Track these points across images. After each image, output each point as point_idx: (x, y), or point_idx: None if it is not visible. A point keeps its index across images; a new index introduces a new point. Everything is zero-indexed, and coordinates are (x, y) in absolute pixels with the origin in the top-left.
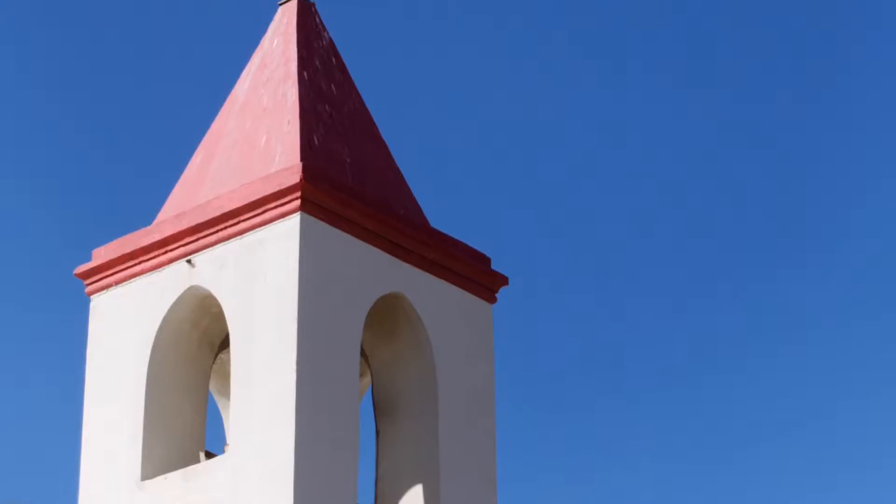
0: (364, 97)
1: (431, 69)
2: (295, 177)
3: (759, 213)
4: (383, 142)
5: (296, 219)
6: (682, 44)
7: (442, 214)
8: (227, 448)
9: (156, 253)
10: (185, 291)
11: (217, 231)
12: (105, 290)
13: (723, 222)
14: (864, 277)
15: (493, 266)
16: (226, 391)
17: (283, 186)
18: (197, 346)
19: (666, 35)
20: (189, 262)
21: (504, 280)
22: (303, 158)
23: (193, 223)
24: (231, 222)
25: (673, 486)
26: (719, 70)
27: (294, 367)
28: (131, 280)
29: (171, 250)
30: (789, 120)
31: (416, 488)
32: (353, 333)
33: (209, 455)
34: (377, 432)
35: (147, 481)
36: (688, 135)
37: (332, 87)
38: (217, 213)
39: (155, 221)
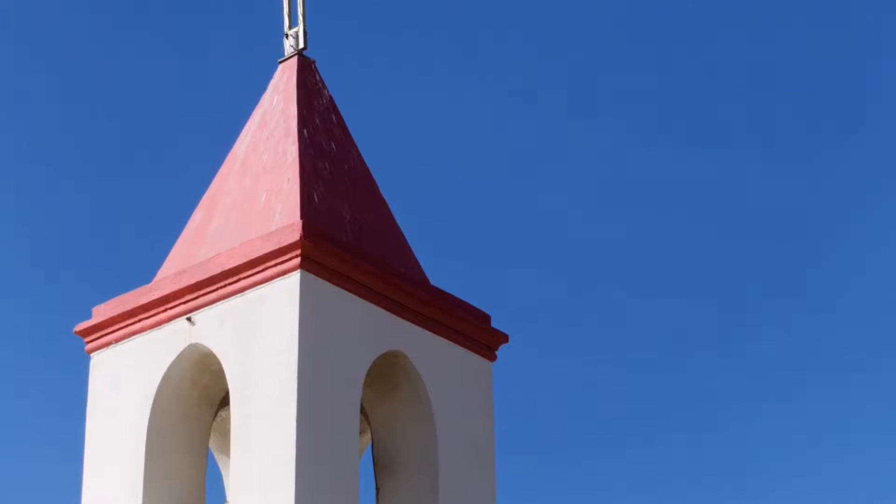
0: (364, 154)
1: (431, 127)
2: (295, 235)
3: (759, 276)
4: (383, 199)
5: (296, 276)
6: (682, 108)
7: (442, 272)
8: None
9: (156, 310)
10: (185, 349)
11: (217, 289)
12: (105, 348)
13: (721, 283)
14: (858, 338)
15: (493, 324)
16: (226, 449)
17: (283, 244)
18: (197, 404)
19: (666, 101)
20: (189, 319)
21: (504, 338)
22: (303, 216)
23: (193, 281)
24: (231, 280)
25: None
26: (718, 135)
27: (294, 424)
28: (131, 338)
29: (171, 308)
30: (788, 187)
31: None
32: (353, 391)
33: None
34: (377, 489)
35: None
36: (688, 200)
37: (333, 144)
38: (217, 271)
39: (155, 279)
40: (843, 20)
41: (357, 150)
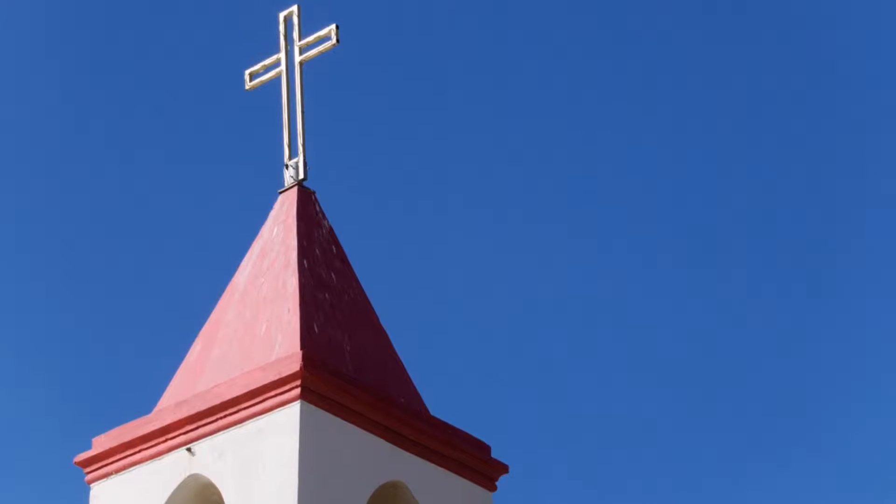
0: (364, 284)
1: (431, 257)
2: (295, 365)
3: (761, 411)
4: (383, 330)
5: (296, 407)
6: (674, 241)
7: (441, 402)
8: None
9: (156, 441)
10: (185, 479)
11: (217, 419)
12: (105, 479)
13: (723, 416)
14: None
15: (494, 454)
16: None
17: (282, 375)
18: None
19: (654, 220)
20: (189, 450)
21: (504, 468)
22: (303, 347)
23: (193, 411)
24: (231, 410)
25: None
26: (716, 255)
27: None
28: (131, 468)
29: (171, 438)
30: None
31: None
32: None
33: None
34: None
35: None
36: (689, 318)
37: (333, 275)
38: (217, 402)
39: (155, 409)
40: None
41: (357, 281)
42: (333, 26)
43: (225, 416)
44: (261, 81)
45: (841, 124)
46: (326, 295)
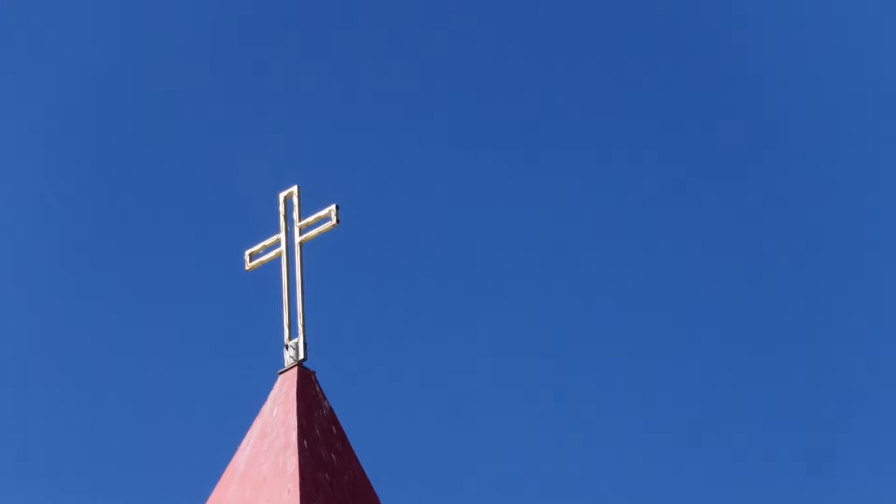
0: (364, 464)
1: (433, 436)
2: None
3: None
4: None
5: None
6: (689, 393)
7: None
8: None
9: None
10: None
11: None
12: None
13: None
14: None
15: None
16: None
17: None
18: None
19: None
20: None
21: None
22: None
23: None
24: None
25: None
26: (716, 349)
27: None
28: None
29: None
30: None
31: None
32: None
33: None
34: None
35: None
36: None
37: (333, 455)
38: None
39: None
40: None
41: (357, 461)
42: (333, 206)
43: None
44: (261, 262)
45: (842, 294)
46: (326, 475)
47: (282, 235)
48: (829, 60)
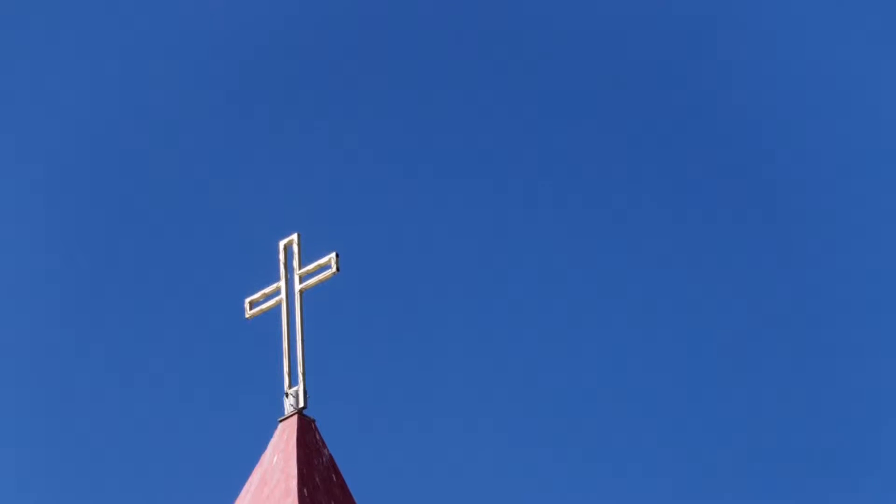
0: None
1: (430, 483)
2: None
3: None
4: None
5: None
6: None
7: None
8: None
9: None
10: None
11: None
12: None
13: None
14: None
15: None
16: None
17: None
18: None
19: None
20: None
21: None
22: None
23: None
24: None
25: None
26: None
27: None
28: None
29: None
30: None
31: None
32: None
33: None
34: None
35: None
36: None
37: (332, 503)
38: None
39: None
40: None
41: None
42: (333, 254)
43: None
44: (261, 310)
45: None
46: None
47: (282, 283)
48: (830, 129)
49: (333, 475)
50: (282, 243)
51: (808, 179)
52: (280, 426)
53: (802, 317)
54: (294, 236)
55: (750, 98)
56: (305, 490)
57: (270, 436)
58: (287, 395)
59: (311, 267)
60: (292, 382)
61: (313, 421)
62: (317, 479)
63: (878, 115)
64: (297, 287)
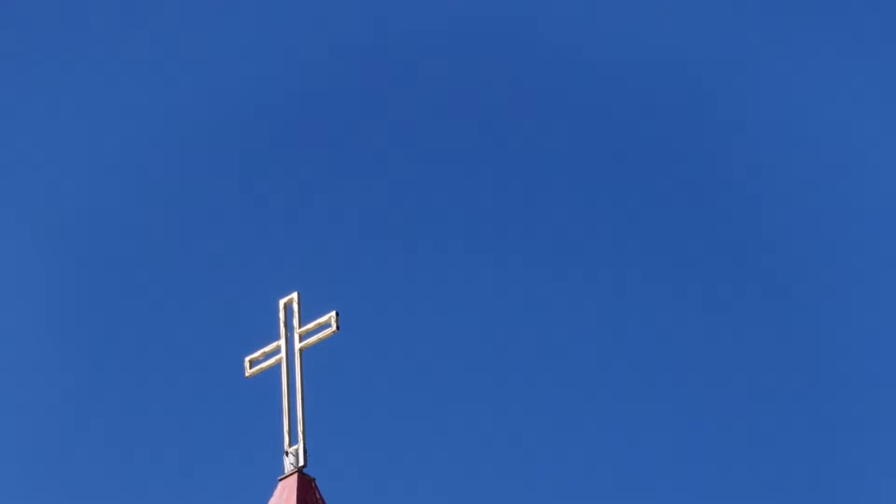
0: None
1: None
2: None
3: None
4: None
5: None
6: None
7: None
8: None
9: None
10: None
11: None
12: None
13: None
14: None
15: None
16: None
17: None
18: None
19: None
20: None
21: None
22: None
23: None
24: None
25: None
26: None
27: None
28: None
29: None
30: None
31: None
32: None
33: None
34: None
35: None
36: None
37: None
38: None
39: None
40: None
41: None
42: (333, 313)
43: None
44: (261, 369)
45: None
46: None
47: (282, 342)
48: (829, 200)
49: None
50: (282, 302)
51: (806, 248)
52: (280, 485)
53: (804, 387)
54: (294, 295)
55: (749, 171)
56: None
57: (270, 494)
58: (287, 454)
59: (311, 325)
60: (292, 441)
61: (313, 480)
62: None
63: (879, 184)
64: (297, 346)
